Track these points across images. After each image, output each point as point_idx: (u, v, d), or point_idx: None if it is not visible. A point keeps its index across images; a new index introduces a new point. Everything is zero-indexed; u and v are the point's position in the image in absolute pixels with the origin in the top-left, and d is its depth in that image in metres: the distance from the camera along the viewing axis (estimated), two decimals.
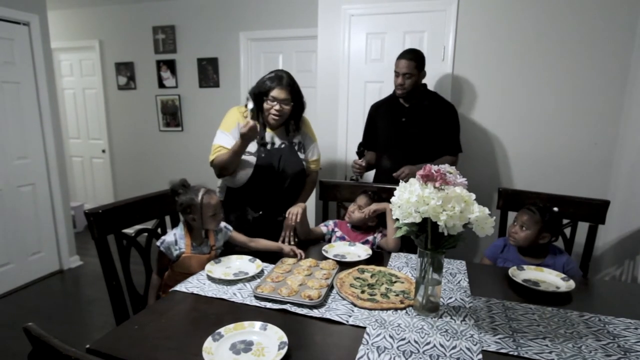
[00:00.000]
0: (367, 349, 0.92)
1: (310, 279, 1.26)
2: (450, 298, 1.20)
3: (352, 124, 2.65)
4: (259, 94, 1.68)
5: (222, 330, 0.96)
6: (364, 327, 1.02)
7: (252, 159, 1.69)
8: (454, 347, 0.94)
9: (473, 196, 1.00)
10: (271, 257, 1.46)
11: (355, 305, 1.13)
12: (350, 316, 1.07)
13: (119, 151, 4.18)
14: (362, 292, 1.20)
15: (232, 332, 0.96)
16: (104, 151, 4.23)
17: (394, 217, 1.06)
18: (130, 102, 4.00)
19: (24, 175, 2.89)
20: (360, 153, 2.04)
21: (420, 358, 0.89)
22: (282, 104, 1.65)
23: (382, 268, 1.38)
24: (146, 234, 1.57)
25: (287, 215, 1.67)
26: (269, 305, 1.13)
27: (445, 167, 1.04)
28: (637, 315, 1.12)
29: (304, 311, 1.09)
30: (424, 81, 2.09)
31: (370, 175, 2.34)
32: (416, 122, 2.06)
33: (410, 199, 0.99)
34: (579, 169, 2.32)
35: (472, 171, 2.42)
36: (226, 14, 3.51)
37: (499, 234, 1.86)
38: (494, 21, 2.32)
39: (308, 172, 1.86)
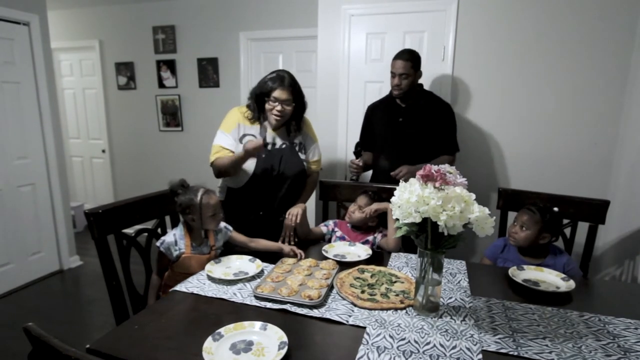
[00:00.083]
0: (367, 349, 0.92)
1: (310, 279, 1.26)
2: (450, 298, 1.20)
3: (352, 124, 2.64)
4: (260, 95, 1.68)
5: (222, 330, 0.96)
6: (364, 327, 1.02)
7: (253, 160, 1.69)
8: (454, 347, 0.94)
9: (473, 196, 1.00)
10: (271, 257, 1.46)
11: (355, 305, 1.13)
12: (350, 316, 1.07)
13: (119, 151, 4.18)
14: (362, 292, 1.20)
15: (232, 332, 0.96)
16: (104, 151, 4.23)
17: (394, 217, 1.06)
18: (130, 102, 4.00)
19: (24, 175, 2.89)
20: (357, 153, 2.05)
21: (420, 358, 0.89)
22: (283, 104, 1.65)
23: (382, 268, 1.39)
24: (146, 234, 1.56)
25: (287, 216, 1.67)
26: (269, 305, 1.13)
27: (445, 167, 1.04)
28: (637, 315, 1.12)
29: (304, 311, 1.09)
30: (420, 81, 2.09)
31: (367, 175, 2.34)
32: (413, 122, 2.07)
33: (410, 199, 0.99)
34: (579, 169, 2.32)
35: (472, 171, 2.42)
36: (226, 14, 3.51)
37: (499, 234, 1.86)
38: (494, 21, 2.32)
39: (309, 172, 1.86)
